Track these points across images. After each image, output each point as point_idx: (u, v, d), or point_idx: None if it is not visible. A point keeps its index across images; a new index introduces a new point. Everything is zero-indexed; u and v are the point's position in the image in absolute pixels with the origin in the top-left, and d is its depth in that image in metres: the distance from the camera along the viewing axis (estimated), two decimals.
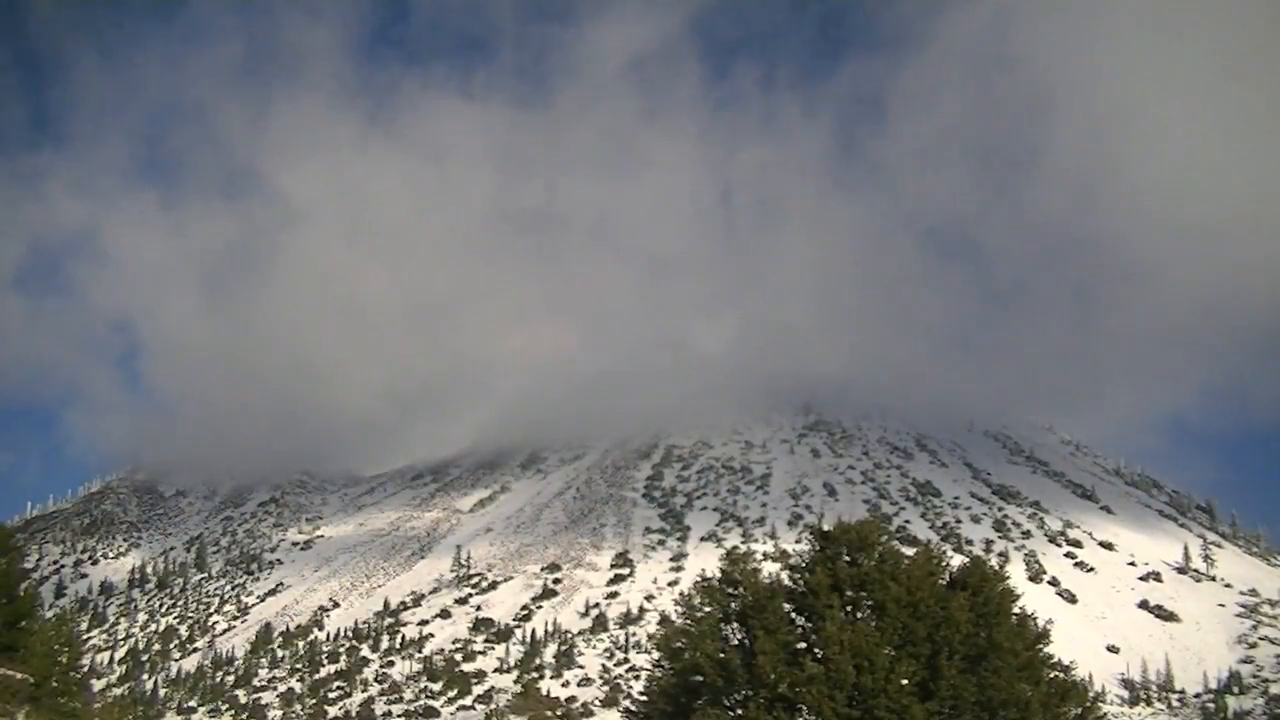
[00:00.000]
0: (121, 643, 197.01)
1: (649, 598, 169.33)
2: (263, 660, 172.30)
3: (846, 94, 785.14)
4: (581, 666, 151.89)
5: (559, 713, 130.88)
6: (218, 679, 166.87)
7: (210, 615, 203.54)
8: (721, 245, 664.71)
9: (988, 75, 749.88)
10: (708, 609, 35.47)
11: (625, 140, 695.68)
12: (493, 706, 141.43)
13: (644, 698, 38.78)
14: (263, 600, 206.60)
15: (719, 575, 36.75)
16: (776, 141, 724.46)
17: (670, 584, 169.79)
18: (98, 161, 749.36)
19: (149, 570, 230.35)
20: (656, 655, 37.59)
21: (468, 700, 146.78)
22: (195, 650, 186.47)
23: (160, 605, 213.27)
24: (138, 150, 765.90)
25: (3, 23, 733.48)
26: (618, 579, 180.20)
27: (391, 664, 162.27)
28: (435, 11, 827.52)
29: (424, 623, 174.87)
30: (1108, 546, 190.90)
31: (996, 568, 37.77)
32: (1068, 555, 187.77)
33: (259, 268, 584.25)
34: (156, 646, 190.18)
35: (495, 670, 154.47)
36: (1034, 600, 64.81)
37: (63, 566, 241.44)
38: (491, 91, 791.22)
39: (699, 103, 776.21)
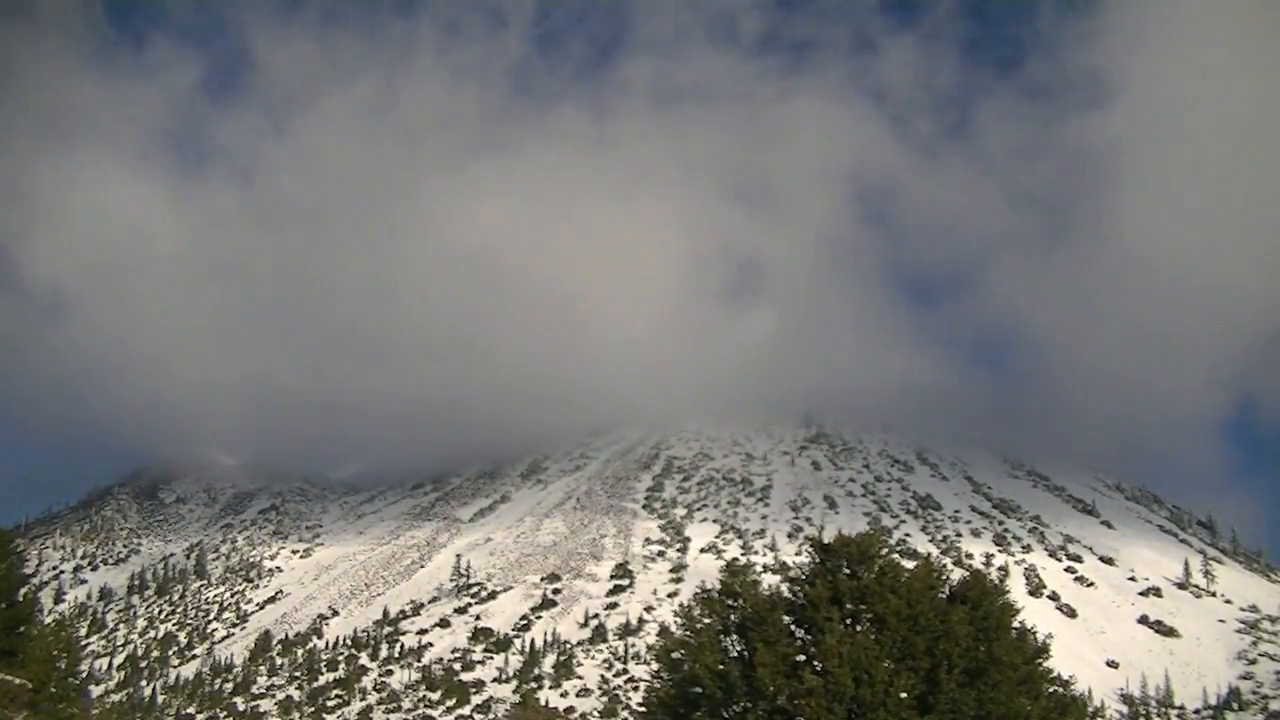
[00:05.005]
0: (120, 649, 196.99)
1: (648, 609, 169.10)
2: (261, 668, 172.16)
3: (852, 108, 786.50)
4: (580, 677, 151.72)
5: None
6: (216, 686, 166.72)
7: (209, 622, 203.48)
8: (723, 255, 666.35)
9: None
10: (707, 620, 35.43)
11: (626, 155, 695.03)
12: (491, 716, 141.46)
13: (642, 709, 38.76)
14: (262, 608, 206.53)
15: (719, 587, 36.73)
16: (781, 149, 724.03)
17: (670, 595, 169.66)
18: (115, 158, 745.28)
19: (149, 576, 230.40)
20: (655, 666, 37.54)
21: (466, 710, 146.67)
22: (194, 657, 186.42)
23: (160, 612, 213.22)
24: (152, 148, 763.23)
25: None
26: (617, 590, 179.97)
27: (390, 673, 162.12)
28: None
29: (423, 632, 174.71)
30: (1108, 561, 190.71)
31: (996, 582, 37.69)
32: (1068, 570, 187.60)
33: (263, 271, 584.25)
34: (155, 653, 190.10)
35: (494, 680, 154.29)
36: (1034, 614, 64.92)
37: (62, 572, 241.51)
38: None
39: (712, 107, 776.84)
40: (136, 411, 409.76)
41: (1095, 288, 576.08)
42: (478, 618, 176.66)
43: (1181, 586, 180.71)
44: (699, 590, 38.10)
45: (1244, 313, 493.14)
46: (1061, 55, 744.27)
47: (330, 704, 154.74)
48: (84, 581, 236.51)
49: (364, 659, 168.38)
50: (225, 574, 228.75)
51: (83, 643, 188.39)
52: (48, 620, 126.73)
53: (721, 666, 33.57)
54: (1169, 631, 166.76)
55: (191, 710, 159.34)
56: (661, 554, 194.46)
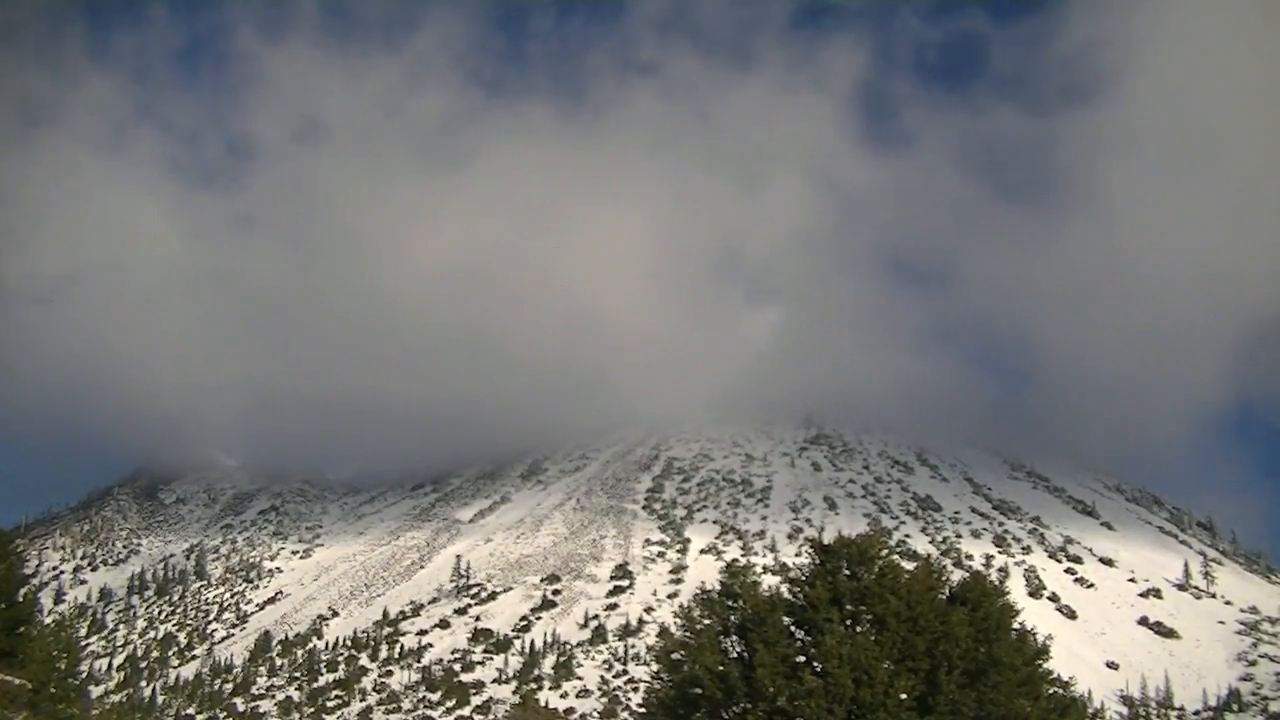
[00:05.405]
0: (120, 649, 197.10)
1: (648, 609, 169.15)
2: (261, 668, 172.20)
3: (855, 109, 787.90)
4: (580, 678, 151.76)
5: None
6: (216, 687, 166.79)
7: (209, 623, 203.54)
8: (724, 257, 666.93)
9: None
10: (707, 621, 35.44)
11: (624, 155, 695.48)
12: (491, 717, 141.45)
13: (642, 710, 38.78)
14: (262, 608, 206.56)
15: (719, 588, 36.75)
16: (780, 148, 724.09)
17: (670, 596, 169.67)
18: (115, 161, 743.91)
19: (148, 577, 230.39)
20: (655, 667, 37.56)
21: (466, 710, 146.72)
22: (194, 658, 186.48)
23: (159, 612, 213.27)
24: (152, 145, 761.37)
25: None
26: (617, 590, 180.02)
27: (390, 674, 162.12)
28: None
29: (423, 633, 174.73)
30: (1108, 562, 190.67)
31: (996, 583, 37.73)
32: (1068, 571, 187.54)
33: (263, 272, 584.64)
34: (155, 653, 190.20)
35: (494, 681, 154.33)
36: (1034, 616, 64.75)
37: (62, 572, 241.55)
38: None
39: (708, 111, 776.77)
40: (136, 412, 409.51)
41: (1095, 288, 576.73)
42: (478, 618, 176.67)
43: (1181, 588, 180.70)
44: (699, 591, 38.14)
45: (1245, 313, 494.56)
46: (1061, 47, 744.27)
47: (330, 704, 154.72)
48: (84, 582, 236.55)
49: (364, 660, 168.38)
50: (225, 574, 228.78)
51: (82, 643, 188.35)
52: (47, 621, 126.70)
53: (721, 667, 33.58)
54: (1169, 633, 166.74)
55: (191, 711, 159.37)
56: (661, 555, 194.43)
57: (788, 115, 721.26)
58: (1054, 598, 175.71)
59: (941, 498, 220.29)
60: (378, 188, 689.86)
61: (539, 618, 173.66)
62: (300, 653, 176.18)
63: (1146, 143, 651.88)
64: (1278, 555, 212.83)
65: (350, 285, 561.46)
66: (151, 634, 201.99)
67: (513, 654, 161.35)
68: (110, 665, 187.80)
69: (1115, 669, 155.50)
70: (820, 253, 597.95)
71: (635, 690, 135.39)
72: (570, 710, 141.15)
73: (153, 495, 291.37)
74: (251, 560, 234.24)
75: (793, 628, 34.72)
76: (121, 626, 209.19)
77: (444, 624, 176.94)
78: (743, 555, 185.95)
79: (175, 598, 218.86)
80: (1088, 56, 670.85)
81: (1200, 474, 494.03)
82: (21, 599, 48.09)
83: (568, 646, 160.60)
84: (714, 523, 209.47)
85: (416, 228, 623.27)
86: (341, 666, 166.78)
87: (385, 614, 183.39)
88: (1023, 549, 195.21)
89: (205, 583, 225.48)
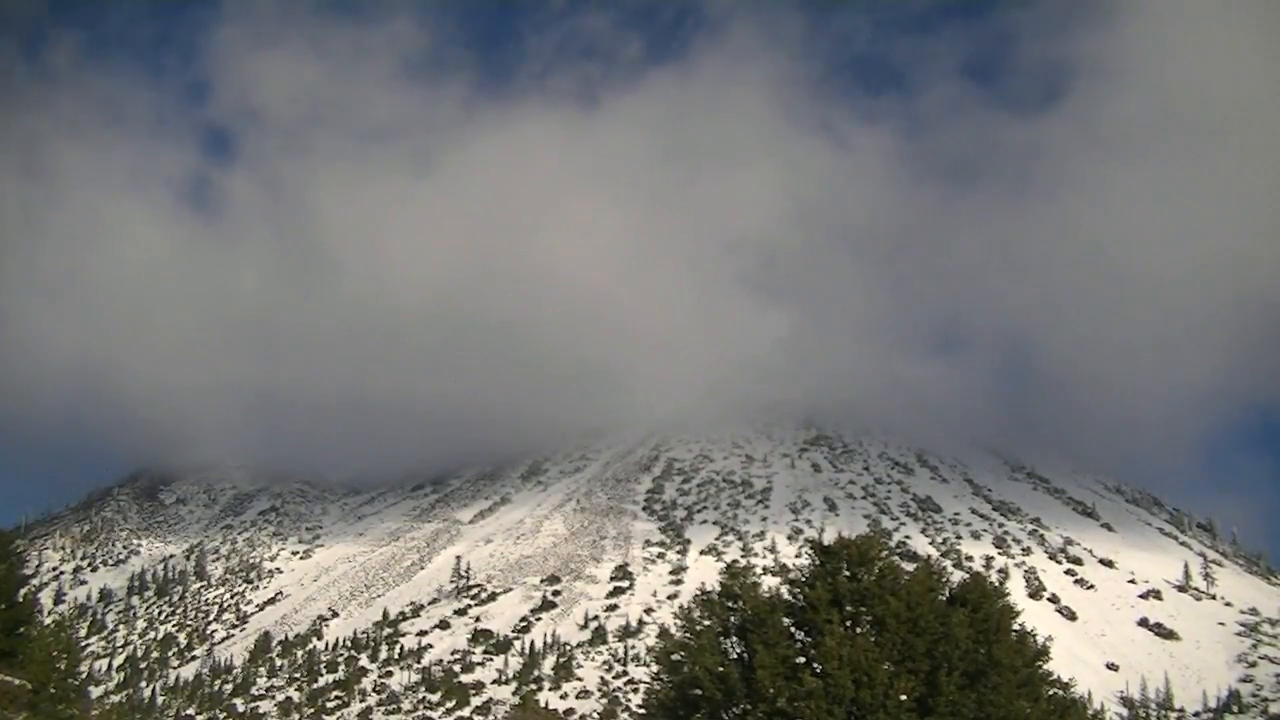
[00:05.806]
0: (120, 650, 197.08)
1: (648, 610, 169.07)
2: (261, 669, 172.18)
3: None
4: (580, 679, 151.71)
5: None
6: (216, 687, 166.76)
7: (209, 623, 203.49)
8: (724, 258, 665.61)
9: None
10: (707, 622, 35.49)
11: (628, 153, 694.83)
12: (491, 718, 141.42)
13: (642, 711, 38.81)
14: (262, 609, 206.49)
15: (719, 589, 36.79)
16: (787, 153, 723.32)
17: (670, 597, 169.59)
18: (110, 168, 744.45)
19: (148, 577, 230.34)
20: (655, 668, 37.60)
21: (466, 711, 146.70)
22: (194, 658, 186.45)
23: (159, 613, 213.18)
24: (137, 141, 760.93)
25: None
26: (617, 591, 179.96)
27: (390, 674, 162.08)
28: None
29: (423, 633, 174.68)
30: (1108, 564, 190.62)
31: (996, 584, 37.82)
32: (1068, 572, 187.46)
33: (263, 272, 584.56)
34: (155, 654, 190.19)
35: (494, 682, 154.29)
36: (1033, 617, 64.79)
37: (62, 573, 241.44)
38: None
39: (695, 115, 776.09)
40: (136, 412, 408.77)
41: (1096, 289, 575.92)
42: (477, 619, 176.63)
43: (1181, 589, 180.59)
44: (699, 592, 38.17)
45: (1246, 314, 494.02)
46: (1060, 40, 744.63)
47: (330, 705, 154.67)
48: (84, 582, 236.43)
49: (364, 660, 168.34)
50: (225, 575, 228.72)
51: (82, 644, 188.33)
52: (47, 621, 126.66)
53: (721, 668, 33.61)
54: (1169, 634, 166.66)
55: (191, 711, 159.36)
56: (661, 556, 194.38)
57: (790, 113, 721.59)
58: (1054, 599, 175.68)
59: (941, 499, 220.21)
60: (375, 187, 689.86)
61: (539, 618, 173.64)
62: (300, 653, 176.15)
63: (1146, 140, 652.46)
64: (1278, 557, 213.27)
65: (349, 285, 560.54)
66: (151, 634, 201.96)
67: (513, 655, 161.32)
68: (110, 666, 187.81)
69: (1115, 670, 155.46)
70: (821, 254, 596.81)
71: (635, 691, 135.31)
72: (570, 711, 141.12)
73: (153, 496, 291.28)
74: (251, 561, 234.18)
75: (793, 629, 34.77)
76: (121, 627, 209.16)
77: (444, 625, 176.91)
78: (743, 556, 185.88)
79: (175, 598, 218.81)
80: (1094, 50, 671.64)
81: (1200, 475, 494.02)
82: (21, 599, 48.15)
83: (568, 647, 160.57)
84: (714, 524, 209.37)
85: (415, 227, 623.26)
86: (341, 667, 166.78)
87: (385, 615, 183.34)
88: (1023, 550, 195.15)
89: (205, 583, 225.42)
